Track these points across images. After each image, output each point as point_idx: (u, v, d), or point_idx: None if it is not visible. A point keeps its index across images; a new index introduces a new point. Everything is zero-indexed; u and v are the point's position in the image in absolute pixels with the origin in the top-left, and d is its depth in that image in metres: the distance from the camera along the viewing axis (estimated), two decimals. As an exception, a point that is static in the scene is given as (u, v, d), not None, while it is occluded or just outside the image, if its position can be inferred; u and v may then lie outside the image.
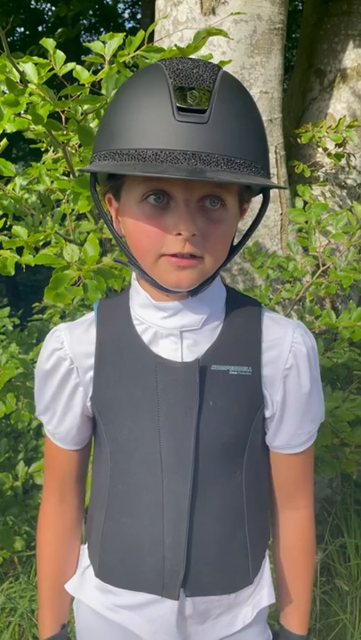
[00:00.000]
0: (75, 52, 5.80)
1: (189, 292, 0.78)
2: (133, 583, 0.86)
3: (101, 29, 7.74)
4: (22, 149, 7.20)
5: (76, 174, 1.36)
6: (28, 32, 7.19)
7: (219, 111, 0.66)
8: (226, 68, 1.83)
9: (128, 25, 8.37)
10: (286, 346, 0.82)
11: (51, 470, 0.96)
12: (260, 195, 0.81)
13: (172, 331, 0.81)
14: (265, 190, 0.80)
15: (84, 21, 7.54)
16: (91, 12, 7.18)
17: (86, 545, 0.97)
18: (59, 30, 5.70)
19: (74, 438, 0.90)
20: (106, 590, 0.90)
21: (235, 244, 0.82)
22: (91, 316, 0.87)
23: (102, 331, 0.85)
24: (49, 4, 7.11)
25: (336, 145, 2.09)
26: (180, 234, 0.69)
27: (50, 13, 7.06)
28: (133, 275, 0.86)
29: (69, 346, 0.84)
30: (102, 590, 0.91)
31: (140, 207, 0.71)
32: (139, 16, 7.67)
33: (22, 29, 7.15)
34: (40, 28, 7.17)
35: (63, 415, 0.88)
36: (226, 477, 0.85)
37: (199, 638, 0.89)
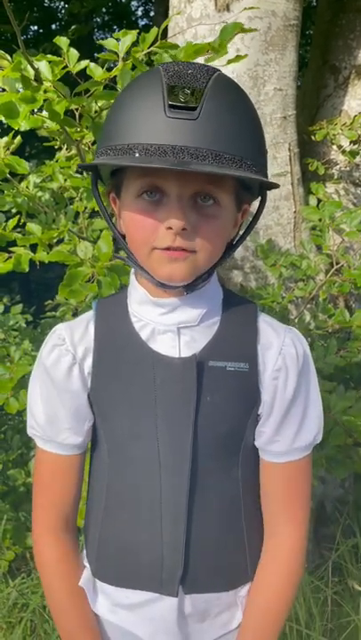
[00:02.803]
0: (88, 49, 5.80)
1: (185, 289, 0.79)
2: (131, 581, 0.86)
3: (114, 27, 7.73)
4: (35, 147, 7.23)
5: (80, 171, 1.36)
6: (41, 30, 7.20)
7: (209, 109, 0.67)
8: (240, 65, 1.80)
9: (141, 22, 8.35)
10: (276, 348, 0.83)
11: (49, 492, 0.90)
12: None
13: (170, 327, 0.81)
14: (263, 191, 0.80)
15: (97, 19, 7.54)
16: (104, 10, 7.17)
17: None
18: (72, 28, 5.71)
19: (76, 439, 0.87)
20: (103, 591, 0.90)
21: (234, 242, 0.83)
22: (89, 315, 0.88)
23: (100, 328, 0.85)
24: (62, 2, 7.12)
25: (351, 142, 2.08)
26: (170, 227, 0.71)
27: (63, 11, 7.07)
28: (132, 272, 0.87)
29: (71, 342, 0.84)
30: (100, 591, 0.91)
31: (135, 203, 0.74)
32: (152, 14, 7.67)
33: (36, 27, 7.16)
34: (53, 26, 7.18)
35: (68, 413, 0.86)
36: (223, 473, 0.85)
37: (199, 637, 0.89)
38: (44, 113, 1.18)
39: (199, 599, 0.86)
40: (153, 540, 0.83)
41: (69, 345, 0.84)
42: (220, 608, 0.89)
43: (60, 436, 0.87)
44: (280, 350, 0.83)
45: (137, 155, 0.67)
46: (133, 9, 8.21)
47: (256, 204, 0.84)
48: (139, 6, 8.44)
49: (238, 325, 0.85)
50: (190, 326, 0.82)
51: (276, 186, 0.75)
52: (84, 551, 0.94)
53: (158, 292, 0.81)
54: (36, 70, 1.12)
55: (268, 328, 0.85)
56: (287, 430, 0.85)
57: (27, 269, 1.24)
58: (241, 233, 0.85)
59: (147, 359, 0.82)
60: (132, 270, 0.87)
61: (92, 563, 0.90)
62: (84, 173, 1.44)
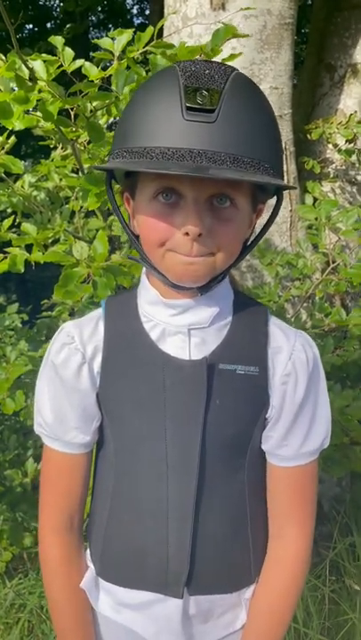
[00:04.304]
0: (83, 48, 5.79)
1: (199, 290, 0.78)
2: (136, 582, 0.86)
3: (110, 25, 7.72)
4: (31, 147, 7.21)
5: (86, 171, 1.36)
6: (36, 29, 7.18)
7: (227, 111, 0.66)
8: (236, 63, 1.81)
9: (137, 21, 8.35)
10: (286, 353, 0.83)
11: (55, 491, 0.90)
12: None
13: (181, 328, 0.81)
14: (279, 191, 0.80)
15: (93, 17, 7.53)
16: (99, 9, 7.16)
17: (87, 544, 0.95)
18: (67, 26, 5.70)
19: (84, 438, 0.87)
20: (107, 590, 0.90)
21: (248, 242, 0.82)
22: (98, 313, 0.87)
23: (110, 327, 0.84)
24: (57, 1, 7.10)
25: (346, 141, 2.08)
26: (187, 233, 0.70)
27: (59, 10, 7.05)
28: (143, 272, 0.86)
29: (80, 341, 0.84)
30: (104, 590, 0.91)
31: (151, 205, 0.73)
32: (147, 12, 7.65)
33: (31, 26, 7.14)
34: (49, 25, 7.16)
35: (76, 412, 0.85)
36: (229, 475, 0.85)
37: (202, 638, 0.89)
38: (40, 112, 1.18)
39: (203, 600, 0.86)
40: (159, 541, 0.83)
41: (79, 343, 0.83)
42: (223, 608, 0.89)
43: (67, 435, 0.86)
44: (290, 355, 0.82)
45: (154, 159, 0.66)
46: (129, 7, 8.20)
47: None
48: (134, 4, 8.41)
49: (249, 328, 0.84)
50: (201, 328, 0.81)
51: (293, 187, 0.75)
52: (88, 551, 0.94)
53: (170, 293, 0.80)
54: (31, 70, 1.11)
55: (278, 332, 0.85)
56: (296, 435, 0.84)
57: (22, 270, 1.24)
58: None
59: (156, 360, 0.81)
60: (143, 270, 0.86)
61: (97, 563, 0.90)
62: (80, 172, 1.44)
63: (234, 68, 0.71)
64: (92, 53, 1.26)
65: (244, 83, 0.71)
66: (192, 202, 0.70)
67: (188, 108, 0.66)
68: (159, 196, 0.72)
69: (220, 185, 0.70)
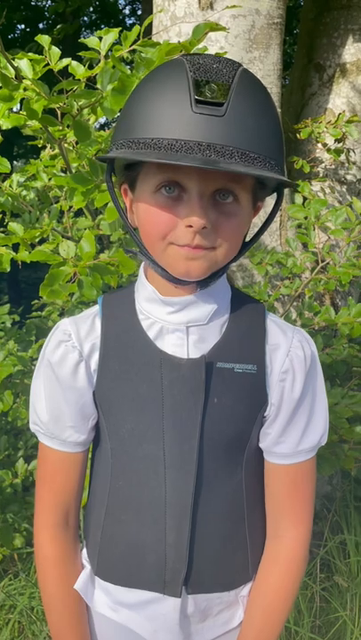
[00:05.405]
0: (74, 48, 5.78)
1: (198, 285, 0.77)
2: (134, 581, 0.86)
3: (102, 26, 7.71)
4: (23, 147, 7.20)
5: (73, 170, 1.36)
6: (28, 29, 7.17)
7: (236, 105, 0.66)
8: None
9: (129, 21, 8.36)
10: (284, 350, 0.82)
11: (51, 488, 0.89)
12: (274, 194, 0.81)
13: (179, 326, 0.80)
14: (279, 189, 0.79)
15: (85, 18, 7.52)
16: (91, 9, 7.16)
17: (84, 544, 0.94)
18: (58, 26, 5.69)
19: (79, 436, 0.86)
20: (105, 589, 0.89)
21: (247, 240, 0.82)
22: (95, 310, 0.86)
23: (107, 325, 0.83)
24: (49, 1, 7.10)
25: (336, 140, 2.08)
26: (190, 225, 0.69)
27: (49, 10, 7.04)
28: (141, 268, 0.85)
29: (77, 338, 0.82)
30: (101, 589, 0.90)
31: (153, 197, 0.72)
32: (139, 12, 7.65)
33: (23, 26, 7.13)
34: (41, 25, 7.15)
35: (72, 411, 0.84)
36: (227, 474, 0.84)
37: (200, 636, 0.89)
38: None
39: (201, 598, 0.86)
40: (157, 540, 0.83)
41: (75, 341, 0.82)
42: (220, 607, 0.88)
43: (63, 434, 0.85)
44: (288, 352, 0.82)
45: (162, 150, 0.65)
46: (121, 7, 8.20)
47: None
48: (126, 5, 8.42)
49: (246, 325, 0.83)
50: (199, 325, 0.80)
51: (294, 185, 0.74)
52: (84, 550, 0.93)
53: (168, 290, 0.79)
54: (16, 69, 1.11)
55: (276, 328, 0.84)
56: (293, 432, 0.84)
57: (7, 269, 1.23)
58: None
59: (154, 359, 0.80)
60: (142, 266, 0.85)
61: (94, 562, 0.89)
62: (68, 172, 1.43)
63: (239, 63, 0.70)
64: (82, 53, 1.26)
65: (251, 79, 0.70)
66: (197, 195, 0.69)
67: (198, 101, 0.65)
68: (162, 190, 0.70)
69: (225, 180, 0.70)
